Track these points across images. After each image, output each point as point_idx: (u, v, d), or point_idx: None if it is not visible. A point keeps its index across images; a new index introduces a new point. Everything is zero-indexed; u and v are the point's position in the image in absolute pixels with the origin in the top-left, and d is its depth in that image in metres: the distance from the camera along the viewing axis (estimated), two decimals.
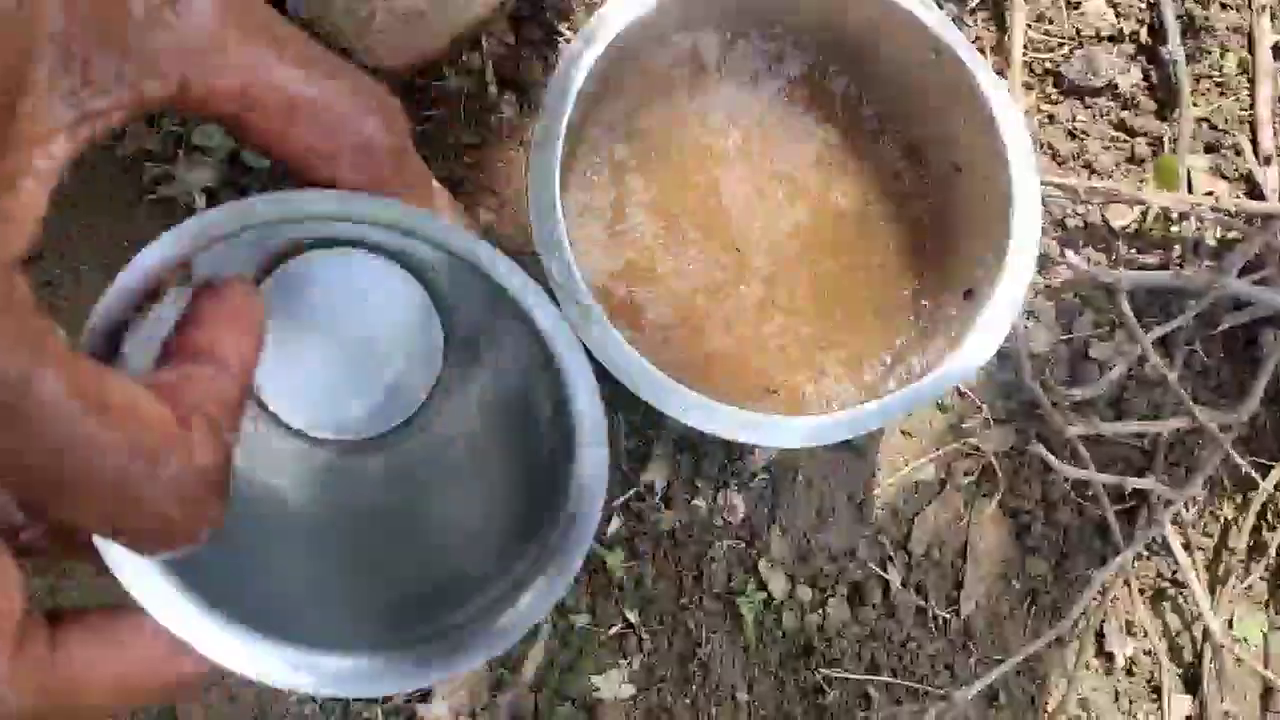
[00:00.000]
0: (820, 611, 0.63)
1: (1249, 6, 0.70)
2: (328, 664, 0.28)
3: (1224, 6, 0.71)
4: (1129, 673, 0.67)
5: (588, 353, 0.31)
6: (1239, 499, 0.67)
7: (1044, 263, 0.67)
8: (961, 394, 0.66)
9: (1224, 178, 0.68)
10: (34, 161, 0.20)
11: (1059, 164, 0.68)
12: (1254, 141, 0.68)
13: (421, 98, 0.63)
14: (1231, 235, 0.66)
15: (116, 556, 0.24)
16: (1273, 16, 0.70)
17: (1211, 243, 0.67)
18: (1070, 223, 0.67)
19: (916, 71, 0.49)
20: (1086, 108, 0.68)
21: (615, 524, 0.62)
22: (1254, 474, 0.65)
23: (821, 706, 0.62)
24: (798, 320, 0.53)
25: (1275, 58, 0.69)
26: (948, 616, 0.65)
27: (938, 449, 0.65)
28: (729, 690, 0.62)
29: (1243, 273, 0.65)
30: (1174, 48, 0.68)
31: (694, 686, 0.62)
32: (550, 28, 0.65)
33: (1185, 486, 0.64)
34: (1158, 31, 0.69)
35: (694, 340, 0.52)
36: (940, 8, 0.48)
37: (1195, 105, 0.68)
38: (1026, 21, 0.67)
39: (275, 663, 0.27)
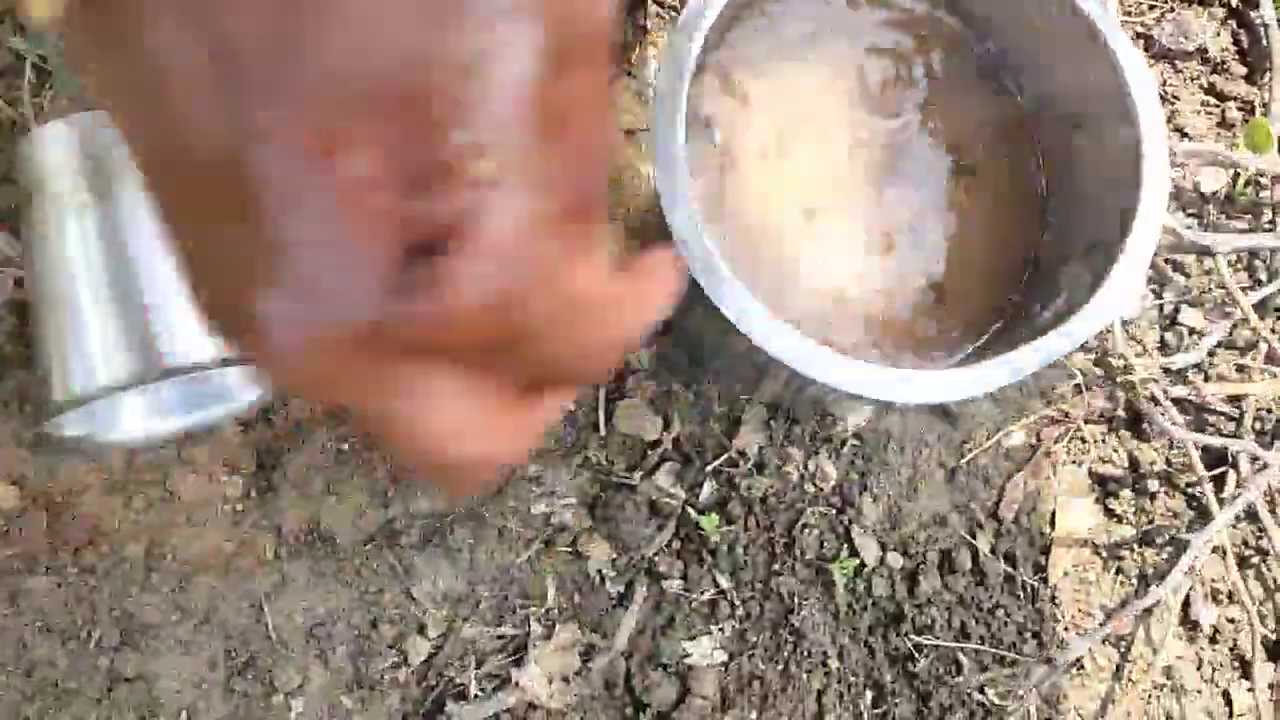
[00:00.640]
0: (911, 579, 0.63)
1: None
2: None
3: None
4: (1212, 641, 0.66)
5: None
6: None
7: None
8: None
9: None
10: None
11: None
12: None
13: None
14: None
15: None
16: None
17: None
18: None
19: (1040, 21, 0.48)
20: (1177, 71, 0.68)
21: (708, 489, 0.61)
22: None
23: (911, 674, 0.62)
24: (913, 276, 0.52)
25: None
26: (1036, 584, 0.64)
27: (1028, 416, 0.65)
28: (820, 657, 0.61)
29: None
30: (1265, 11, 0.67)
31: (785, 653, 0.61)
32: None
33: (1273, 450, 0.63)
34: None
35: (806, 295, 0.52)
36: None
37: None
38: None
39: None
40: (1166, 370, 0.64)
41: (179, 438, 0.56)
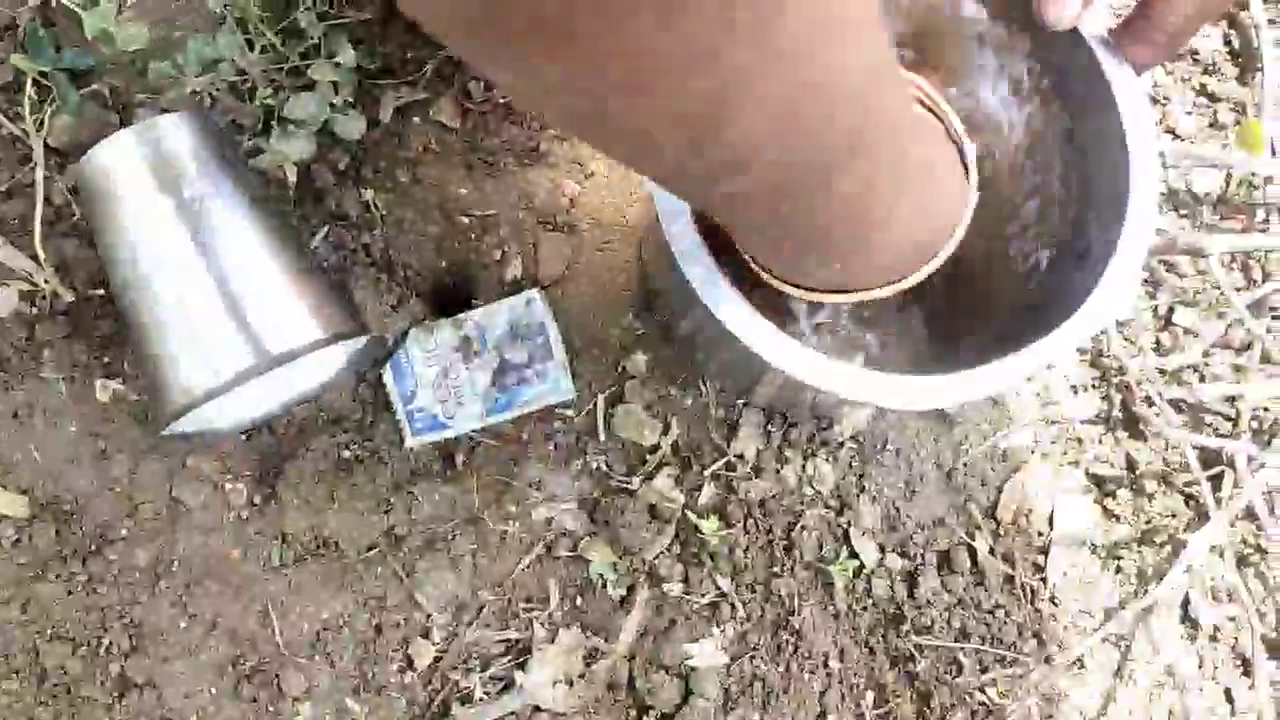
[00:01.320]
0: (910, 580, 0.63)
1: None
2: None
3: None
4: (1213, 639, 0.67)
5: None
6: None
7: None
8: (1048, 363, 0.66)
9: None
10: None
11: None
12: None
13: None
14: None
15: None
16: None
17: None
18: None
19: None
20: (1168, 73, 0.68)
21: (707, 493, 0.62)
22: None
23: (912, 674, 0.62)
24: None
25: None
26: (1035, 584, 0.65)
27: (1024, 417, 0.65)
28: (821, 658, 0.62)
29: None
30: (1256, 12, 0.67)
31: (787, 654, 0.62)
32: None
33: (1270, 448, 0.64)
34: None
35: None
36: None
37: (1278, 69, 0.68)
38: None
39: None
40: (1162, 371, 0.65)
41: (184, 449, 0.58)
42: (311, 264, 0.54)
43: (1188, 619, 0.67)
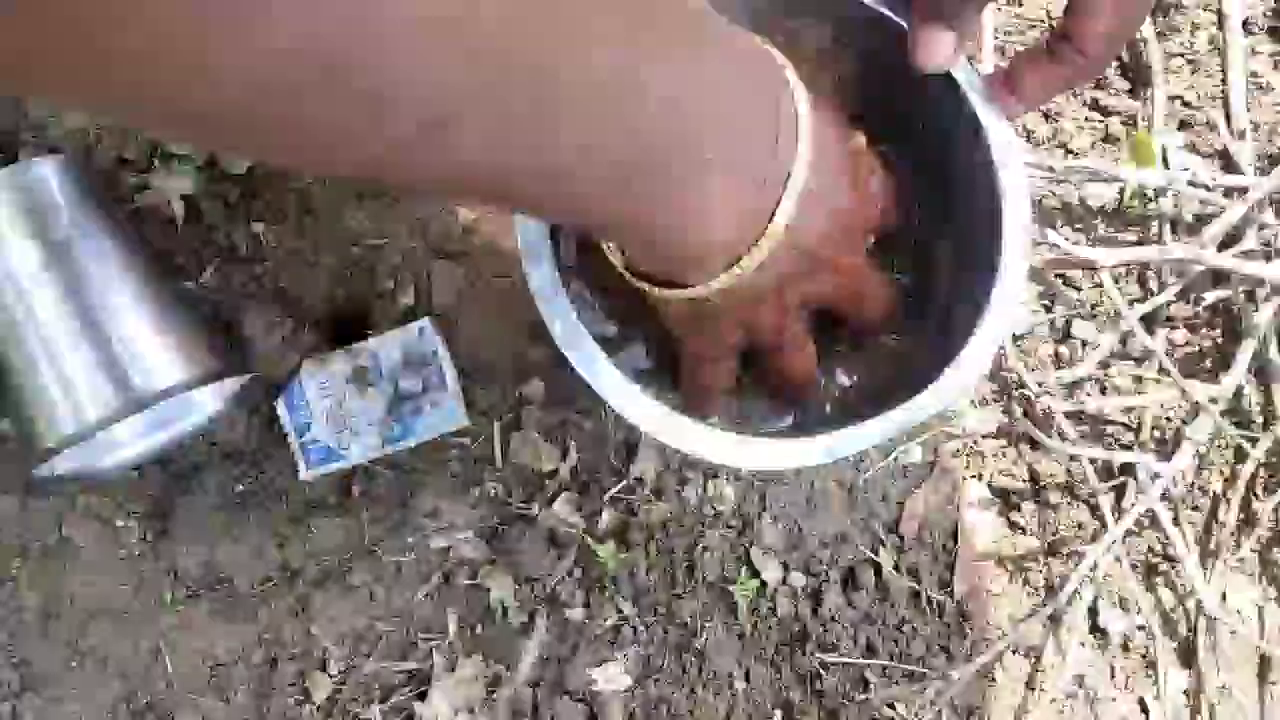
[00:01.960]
0: (815, 597, 0.63)
1: None
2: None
3: None
4: (1124, 649, 0.67)
5: None
6: (1227, 473, 0.68)
7: None
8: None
9: (1199, 154, 0.69)
10: None
11: (1035, 146, 0.68)
12: (1227, 116, 0.69)
13: None
14: (1209, 210, 0.66)
15: None
16: None
17: (1189, 219, 0.68)
18: (1048, 203, 0.68)
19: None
20: None
21: (606, 517, 0.62)
22: (1244, 444, 0.65)
23: (819, 692, 0.63)
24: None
25: (1246, 33, 0.70)
26: (941, 599, 0.65)
27: (924, 433, 0.66)
28: (726, 679, 0.62)
29: (1221, 247, 0.65)
30: (1145, 28, 0.68)
31: (691, 676, 0.62)
32: None
33: (1172, 459, 0.64)
34: None
35: None
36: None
37: (1168, 83, 0.69)
38: (996, 5, 0.68)
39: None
40: (1062, 384, 0.65)
41: (75, 489, 0.57)
42: (188, 302, 0.54)
43: (1098, 629, 0.67)
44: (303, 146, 0.24)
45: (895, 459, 0.65)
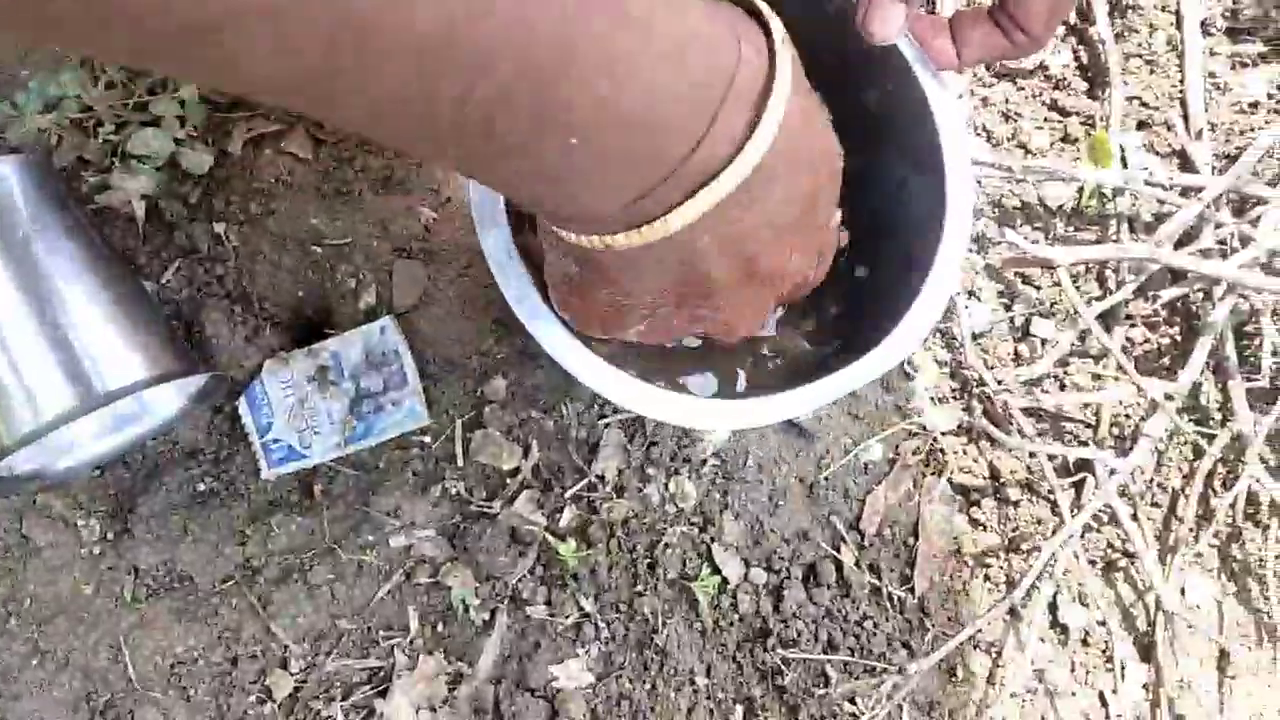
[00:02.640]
0: (776, 594, 0.64)
1: None
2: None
3: None
4: (1084, 644, 0.68)
5: None
6: (1185, 469, 0.68)
7: (983, 242, 0.68)
8: (907, 375, 0.67)
9: (1156, 153, 0.69)
10: None
11: (994, 145, 0.69)
12: (1185, 117, 0.69)
13: None
14: (1166, 209, 0.67)
15: None
16: None
17: (1147, 218, 0.68)
18: (1007, 203, 0.68)
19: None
20: (1019, 89, 0.69)
21: (568, 515, 0.62)
22: (1201, 440, 0.66)
23: (780, 687, 0.63)
24: None
25: (1203, 34, 0.71)
26: (902, 594, 0.65)
27: (885, 430, 0.66)
28: (688, 674, 0.62)
29: (1178, 245, 0.66)
30: (1102, 28, 0.69)
31: (653, 672, 0.62)
32: None
33: (1130, 455, 0.65)
34: (1086, 12, 0.70)
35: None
36: None
37: (1125, 83, 0.69)
38: (956, 6, 0.68)
39: None
40: (1021, 381, 0.66)
41: (35, 488, 0.58)
42: (149, 302, 0.55)
43: (1058, 624, 0.67)
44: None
45: (856, 456, 0.66)
